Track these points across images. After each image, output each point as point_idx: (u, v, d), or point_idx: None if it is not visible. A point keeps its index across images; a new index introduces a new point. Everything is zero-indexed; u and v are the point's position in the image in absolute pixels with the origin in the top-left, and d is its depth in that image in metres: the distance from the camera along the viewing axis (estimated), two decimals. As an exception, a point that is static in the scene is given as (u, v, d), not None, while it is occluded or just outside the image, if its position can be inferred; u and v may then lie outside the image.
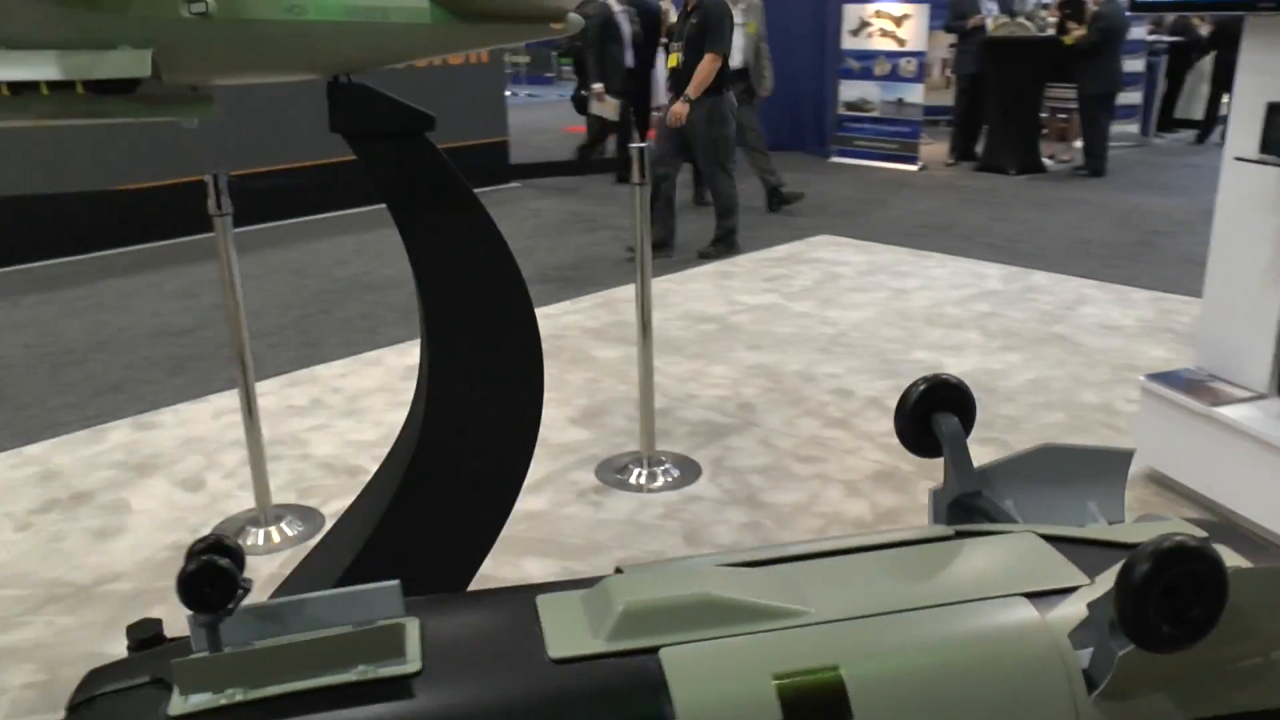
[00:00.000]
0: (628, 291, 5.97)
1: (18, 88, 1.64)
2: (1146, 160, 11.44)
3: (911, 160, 10.89)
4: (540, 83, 21.12)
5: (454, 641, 1.34)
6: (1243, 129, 3.43)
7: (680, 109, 6.88)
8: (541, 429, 4.22)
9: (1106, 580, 1.27)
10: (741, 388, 4.74)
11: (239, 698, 1.20)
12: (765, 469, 3.91)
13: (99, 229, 7.48)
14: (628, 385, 4.59)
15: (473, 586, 2.40)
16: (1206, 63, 13.03)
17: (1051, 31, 10.73)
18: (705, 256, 7.21)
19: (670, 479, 3.83)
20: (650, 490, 3.77)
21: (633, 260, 6.79)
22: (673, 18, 8.49)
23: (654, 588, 1.38)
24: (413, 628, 1.35)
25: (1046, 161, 10.90)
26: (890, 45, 10.86)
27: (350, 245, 7.61)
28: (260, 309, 6.07)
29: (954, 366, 4.93)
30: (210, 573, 1.18)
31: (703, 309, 5.99)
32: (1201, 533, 1.53)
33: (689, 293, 6.34)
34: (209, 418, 4.45)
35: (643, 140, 6.95)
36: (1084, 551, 1.49)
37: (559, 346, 5.28)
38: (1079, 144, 10.87)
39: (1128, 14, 9.70)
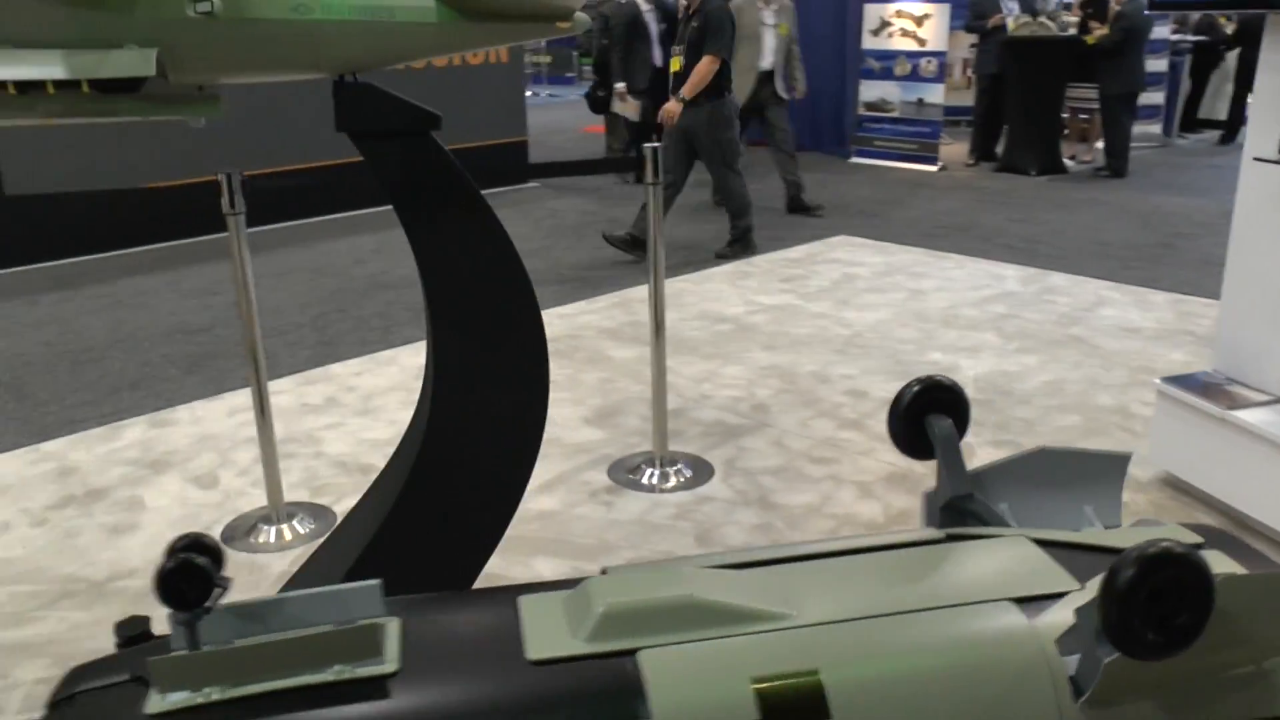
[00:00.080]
0: (644, 292, 5.96)
1: (24, 87, 1.65)
2: (1169, 161, 11.35)
3: (931, 161, 10.84)
4: (561, 83, 21.13)
5: (433, 642, 1.33)
6: (1263, 129, 3.39)
7: (673, 108, 6.83)
8: (555, 428, 4.28)
9: (1097, 586, 1.25)
10: (756, 388, 4.73)
11: (215, 696, 1.20)
12: (778, 470, 3.90)
13: (120, 227, 7.54)
14: (642, 385, 4.59)
15: (482, 585, 2.40)
16: (1231, 62, 12.92)
17: (1072, 31, 10.66)
18: (722, 257, 7.19)
19: (683, 479, 3.83)
20: (662, 490, 3.76)
21: (636, 262, 6.84)
22: None
23: (635, 589, 1.37)
24: (393, 628, 1.34)
25: (1067, 162, 10.82)
26: (911, 45, 10.81)
27: (369, 245, 7.64)
28: (277, 307, 6.10)
29: (970, 368, 4.90)
30: (187, 571, 1.18)
31: (719, 309, 5.98)
32: (1196, 538, 1.51)
33: (705, 293, 6.33)
34: (224, 415, 4.48)
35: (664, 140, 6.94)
36: (1076, 556, 1.47)
37: (574, 346, 5.29)
38: (1100, 145, 10.79)
39: (1146, 13, 9.62)
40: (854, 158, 11.40)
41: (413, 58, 2.04)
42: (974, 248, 7.36)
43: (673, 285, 6.42)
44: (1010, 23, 10.74)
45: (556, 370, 4.90)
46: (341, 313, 6.02)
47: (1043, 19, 10.69)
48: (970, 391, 4.60)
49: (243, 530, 3.49)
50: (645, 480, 3.82)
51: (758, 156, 9.86)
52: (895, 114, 11.02)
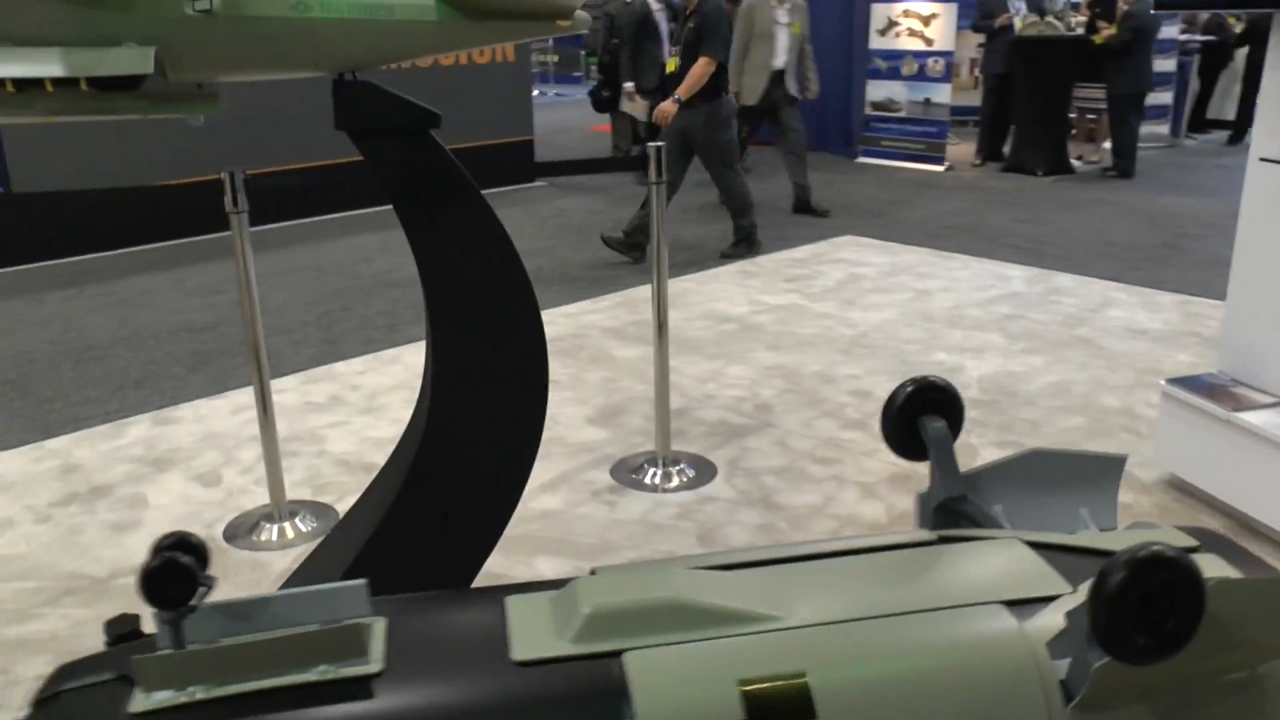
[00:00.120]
0: (648, 291, 5.95)
1: (22, 84, 1.65)
2: (1176, 161, 11.31)
3: (938, 161, 10.82)
4: (569, 82, 21.13)
5: (419, 642, 1.32)
6: (1269, 129, 3.38)
7: (668, 108, 6.79)
8: (558, 428, 4.28)
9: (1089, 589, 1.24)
10: (760, 388, 4.72)
11: (200, 696, 1.20)
12: (781, 470, 3.89)
13: (125, 226, 7.56)
14: (646, 385, 4.58)
15: (483, 584, 2.40)
16: (1241, 62, 12.87)
17: (1080, 31, 10.62)
18: (728, 257, 7.18)
19: (685, 479, 3.82)
20: (665, 490, 3.76)
21: (635, 263, 6.82)
22: None
23: (622, 590, 1.36)
24: (379, 628, 1.34)
25: (1074, 162, 10.79)
26: (918, 45, 10.79)
27: (374, 243, 7.64)
28: (282, 306, 6.11)
29: (975, 369, 4.89)
30: (172, 570, 1.18)
31: (724, 309, 5.97)
32: (1191, 541, 1.50)
33: (710, 293, 6.32)
34: (228, 413, 4.48)
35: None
36: (1070, 559, 1.46)
37: (579, 345, 5.28)
38: (1108, 145, 10.76)
39: (1153, 12, 9.58)
40: (860, 157, 11.38)
41: (412, 56, 2.03)
42: (980, 248, 7.34)
43: (677, 285, 6.42)
44: (1018, 22, 10.71)
45: (560, 369, 4.91)
46: (346, 311, 6.02)
47: (1050, 19, 10.66)
48: (975, 392, 4.60)
49: (245, 528, 3.49)
50: (648, 480, 3.81)
51: (765, 156, 9.86)
52: (902, 114, 11.00)
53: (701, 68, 6.70)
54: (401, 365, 5.08)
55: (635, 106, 9.39)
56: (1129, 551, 1.20)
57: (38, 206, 7.08)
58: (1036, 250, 7.26)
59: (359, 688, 1.24)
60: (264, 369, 3.46)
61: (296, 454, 4.05)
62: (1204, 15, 12.91)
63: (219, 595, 1.30)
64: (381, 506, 2.16)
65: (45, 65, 1.62)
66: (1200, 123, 13.33)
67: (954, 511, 1.65)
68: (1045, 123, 10.47)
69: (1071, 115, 11.09)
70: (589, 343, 5.35)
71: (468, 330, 2.15)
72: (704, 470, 3.89)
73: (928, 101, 10.80)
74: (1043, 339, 5.30)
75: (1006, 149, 11.04)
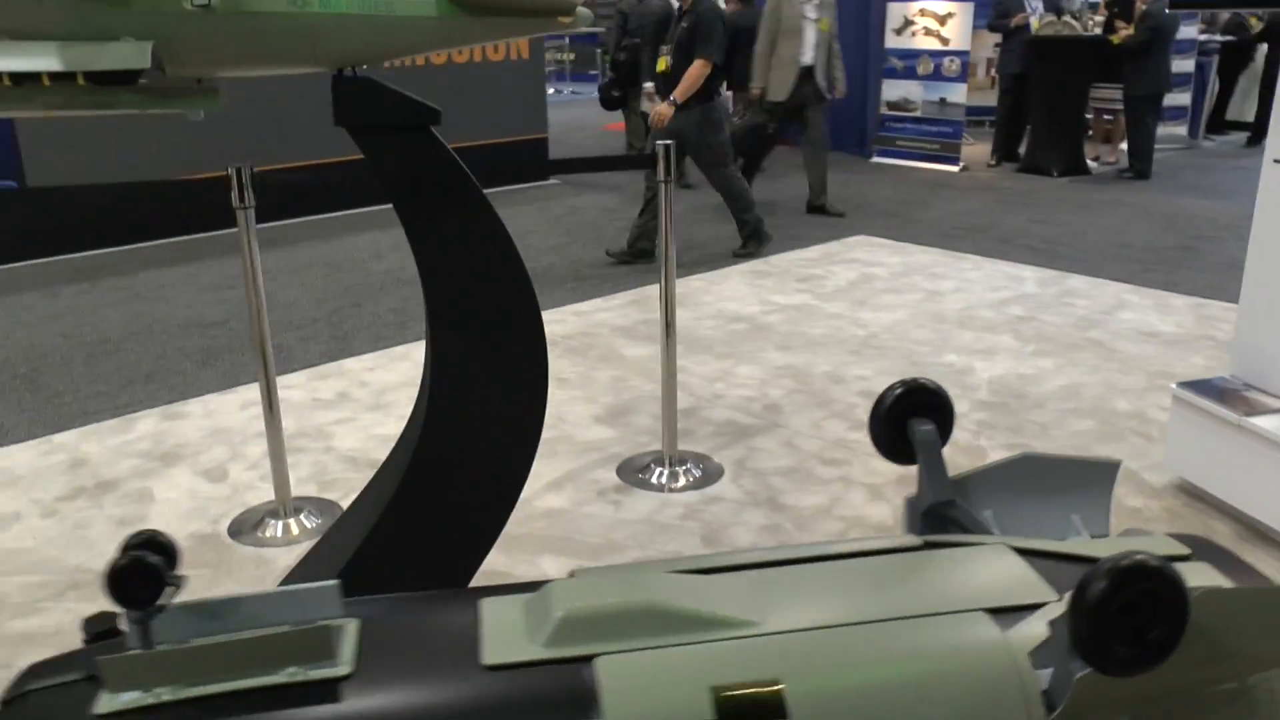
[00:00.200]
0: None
1: (19, 79, 1.65)
2: (1194, 163, 11.23)
3: (953, 161, 10.77)
4: (585, 80, 21.10)
5: (390, 644, 1.31)
6: (1283, 131, 3.34)
7: (664, 110, 6.71)
8: (566, 426, 4.27)
9: None
10: (769, 388, 4.70)
11: (166, 697, 1.19)
12: (788, 471, 3.87)
13: (140, 220, 7.58)
14: (655, 384, 4.57)
15: (487, 583, 2.39)
16: (1261, 62, 12.77)
17: (1097, 31, 10.55)
18: (740, 256, 7.15)
19: (692, 479, 3.81)
20: (671, 490, 3.75)
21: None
22: None
23: (597, 594, 1.34)
24: (351, 629, 1.32)
25: (1090, 163, 10.73)
26: (934, 44, 10.74)
27: (387, 240, 7.64)
28: (293, 302, 6.12)
29: (985, 370, 4.86)
30: (139, 569, 1.17)
31: (735, 308, 5.95)
32: (1183, 549, 1.47)
33: (721, 292, 6.30)
34: (236, 409, 4.49)
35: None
36: (1058, 567, 1.43)
37: (588, 344, 5.27)
38: (1124, 146, 10.69)
39: (1168, 11, 9.50)
40: (875, 157, 11.33)
41: (413, 52, 2.02)
42: (994, 249, 7.30)
43: (689, 284, 6.40)
44: (1034, 22, 10.65)
45: (569, 368, 4.90)
46: (357, 308, 6.03)
47: (1067, 18, 10.60)
48: (985, 394, 4.57)
49: (250, 524, 3.49)
50: (654, 480, 3.80)
51: (779, 155, 9.81)
52: (917, 113, 10.95)
53: (697, 70, 6.63)
54: (410, 362, 5.07)
55: (653, 106, 9.35)
56: (1111, 560, 1.17)
57: (53, 201, 7.11)
58: (1050, 251, 7.22)
59: (326, 690, 1.22)
60: (269, 365, 3.46)
61: (303, 450, 4.06)
62: (1224, 15, 12.80)
63: (220, 591, 1.29)
64: (379, 505, 2.15)
65: (42, 60, 1.62)
66: (1220, 124, 13.23)
67: (942, 517, 1.62)
68: (1061, 123, 10.40)
69: (1088, 116, 11.02)
70: (599, 341, 5.33)
71: (467, 328, 2.14)
72: (711, 470, 3.87)
73: (943, 101, 10.75)
74: (1054, 341, 5.27)
75: (1022, 149, 10.97)
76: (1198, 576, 1.38)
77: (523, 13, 1.95)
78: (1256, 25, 12.73)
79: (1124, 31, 9.98)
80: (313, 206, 8.40)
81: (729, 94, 12.28)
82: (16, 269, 6.94)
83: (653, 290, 6.17)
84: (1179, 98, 11.68)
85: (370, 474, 3.79)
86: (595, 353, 5.15)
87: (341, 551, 2.18)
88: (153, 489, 3.77)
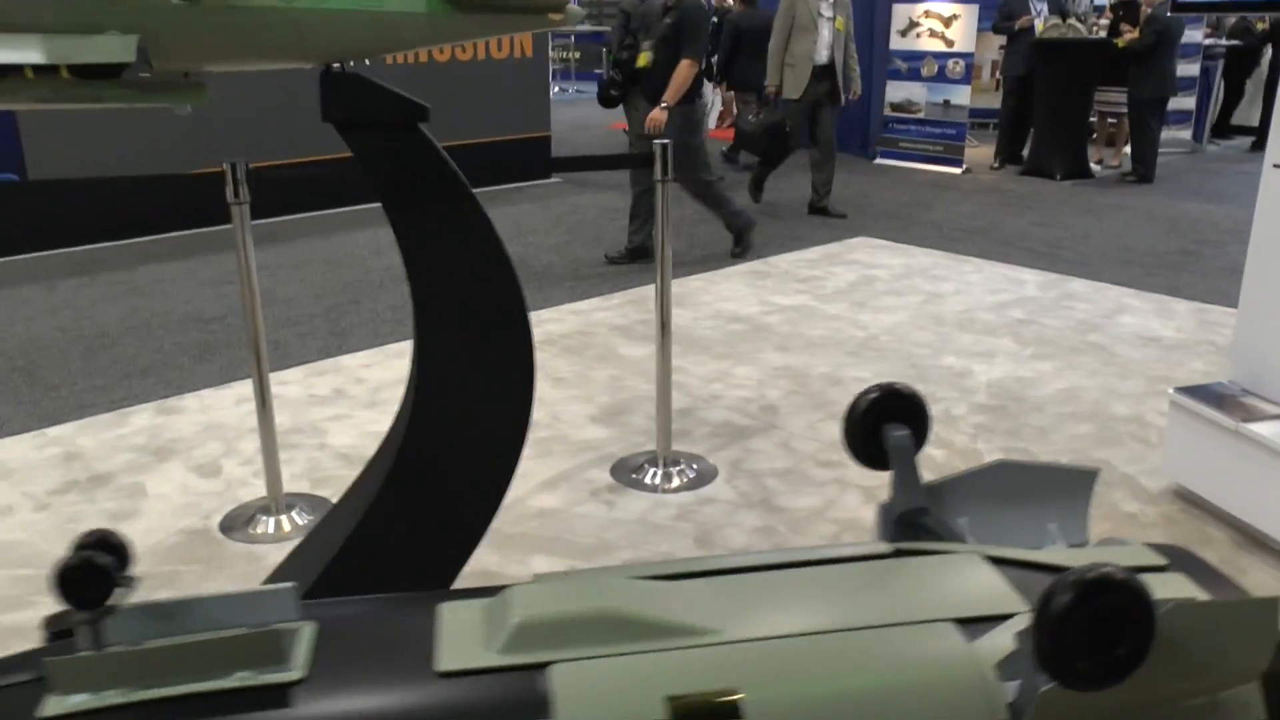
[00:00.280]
0: (658, 289, 5.94)
1: (3, 71, 1.64)
2: (1198, 167, 11.20)
3: (956, 163, 10.74)
4: (590, 79, 21.05)
5: (346, 649, 1.29)
6: (1284, 136, 3.32)
7: (660, 116, 6.59)
8: (561, 425, 4.26)
9: None
10: (766, 389, 4.69)
11: (114, 700, 1.17)
12: (784, 472, 3.85)
13: (141, 214, 7.57)
14: (652, 384, 4.54)
15: (478, 583, 2.38)
16: (1265, 66, 12.74)
17: (1101, 34, 10.52)
18: (737, 255, 7.13)
19: (686, 480, 3.79)
20: (665, 491, 3.73)
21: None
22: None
23: (556, 600, 1.32)
24: (307, 633, 1.31)
25: (1094, 167, 10.70)
26: (939, 46, 10.71)
27: (386, 237, 7.57)
28: (292, 298, 6.11)
29: (984, 373, 4.84)
30: (87, 569, 1.15)
31: (734, 309, 5.93)
32: (1160, 560, 1.45)
33: (721, 292, 6.29)
34: (231, 404, 4.48)
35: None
36: (1031, 576, 1.40)
37: (586, 343, 5.26)
38: (1128, 149, 10.66)
39: (1169, 14, 9.47)
40: (879, 159, 11.31)
41: (402, 48, 2.01)
42: (995, 251, 7.28)
43: (689, 284, 6.39)
44: (1039, 24, 10.62)
45: (566, 367, 4.88)
46: (355, 304, 6.02)
47: (1072, 21, 10.57)
48: (983, 397, 4.56)
49: (242, 520, 3.48)
50: (648, 480, 3.79)
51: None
52: (921, 115, 10.93)
53: (685, 71, 6.54)
54: (407, 360, 4.99)
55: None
56: (1077, 572, 1.15)
57: (53, 194, 7.11)
58: (1052, 255, 7.20)
59: (276, 696, 1.20)
60: (263, 361, 3.45)
61: (297, 447, 4.05)
62: (1229, 20, 12.77)
63: (210, 588, 1.28)
64: (364, 503, 2.14)
65: (25, 52, 1.61)
66: (1225, 128, 13.19)
67: (915, 524, 1.60)
68: (1065, 126, 10.37)
69: (1092, 119, 10.99)
70: (597, 340, 5.32)
71: (453, 326, 2.13)
72: (706, 471, 3.86)
73: (947, 103, 10.73)
74: (1054, 344, 5.25)
75: (1025, 152, 10.95)
76: (1172, 588, 1.36)
77: (513, 9, 1.93)
78: (1261, 27, 12.70)
79: (1129, 35, 9.95)
80: (314, 202, 8.39)
81: (730, 94, 12.29)
82: (16, 262, 6.94)
83: (650, 290, 6.14)
84: (1183, 102, 11.65)
85: (363, 471, 3.80)
86: (593, 352, 5.14)
87: (326, 549, 2.16)
88: (145, 483, 3.76)
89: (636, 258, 6.86)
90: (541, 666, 1.25)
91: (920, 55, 10.82)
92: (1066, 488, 1.62)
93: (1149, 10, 9.73)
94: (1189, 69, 11.52)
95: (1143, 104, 10.01)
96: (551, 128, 10.27)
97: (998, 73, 12.20)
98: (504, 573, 3.13)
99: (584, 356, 5.05)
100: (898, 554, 1.51)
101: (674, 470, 3.83)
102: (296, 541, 3.31)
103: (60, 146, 7.07)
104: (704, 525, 3.48)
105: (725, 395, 4.63)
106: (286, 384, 4.69)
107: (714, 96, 13.44)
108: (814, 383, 4.76)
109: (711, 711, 1.19)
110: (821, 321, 5.68)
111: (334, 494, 3.66)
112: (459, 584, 2.32)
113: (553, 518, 3.53)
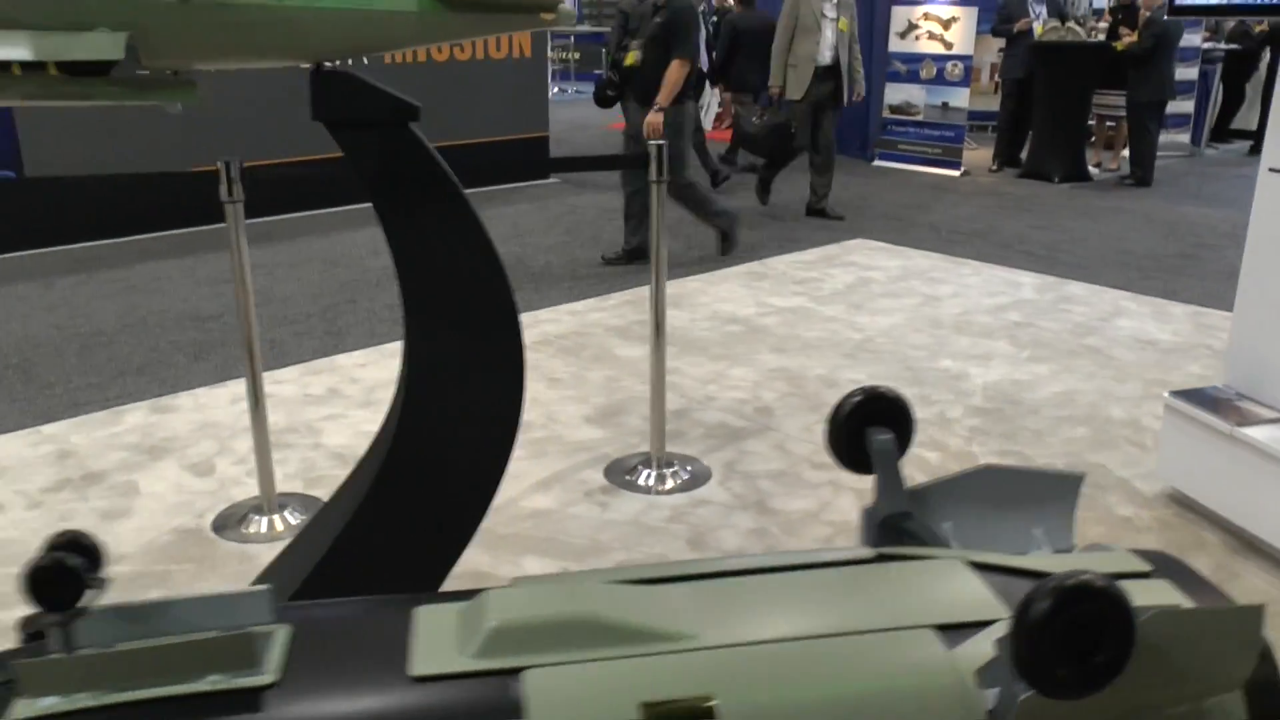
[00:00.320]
0: (655, 290, 5.93)
1: (-9, 67, 1.63)
2: (1196, 171, 11.20)
3: (954, 166, 10.74)
4: (589, 79, 21.05)
5: (319, 652, 1.28)
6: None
7: (656, 120, 6.52)
8: (556, 426, 4.25)
9: None
10: (762, 391, 4.68)
11: (84, 703, 1.16)
12: (778, 474, 3.85)
13: (139, 212, 7.56)
14: (648, 385, 4.54)
15: (469, 584, 2.37)
16: (1264, 70, 12.74)
17: (1100, 37, 10.51)
18: (725, 254, 7.11)
19: (680, 481, 3.78)
20: (659, 492, 3.72)
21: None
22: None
23: (532, 604, 1.31)
24: (281, 636, 1.30)
25: (1092, 170, 10.70)
26: (938, 48, 10.71)
27: (384, 237, 7.61)
28: (289, 296, 6.10)
29: (980, 376, 4.84)
30: (57, 570, 1.15)
31: (730, 310, 5.93)
32: (1144, 566, 1.44)
33: (718, 293, 6.28)
34: (226, 403, 4.47)
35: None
36: (1014, 582, 1.39)
37: (581, 344, 5.25)
38: (1126, 153, 10.66)
39: (1165, 18, 9.47)
40: (877, 161, 11.30)
41: (393, 47, 2.00)
42: (993, 254, 7.28)
43: (686, 284, 6.38)
44: (1038, 27, 10.61)
45: (562, 367, 4.88)
46: (352, 304, 6.01)
47: (1071, 24, 10.57)
48: (979, 400, 4.55)
49: (234, 520, 3.47)
50: (642, 481, 3.78)
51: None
52: (919, 118, 10.92)
53: (677, 72, 6.50)
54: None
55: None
56: (1055, 579, 1.13)
57: (50, 191, 7.09)
58: (1050, 257, 7.19)
59: (248, 699, 1.19)
60: (256, 361, 3.44)
61: (292, 446, 4.04)
62: (1229, 24, 12.77)
63: (202, 587, 1.27)
64: (353, 503, 2.13)
65: (13, 49, 1.60)
66: (1224, 132, 13.20)
67: (899, 529, 1.59)
68: (1064, 129, 10.37)
69: (1090, 122, 10.99)
70: (593, 341, 5.31)
71: (443, 326, 2.12)
72: (700, 473, 3.85)
73: (945, 106, 10.72)
74: (1051, 347, 5.24)
75: (1024, 155, 10.95)
76: (1155, 595, 1.35)
77: (504, 8, 1.93)
78: (1260, 30, 12.69)
79: (1128, 38, 9.95)
80: (312, 201, 8.37)
81: (727, 95, 12.27)
82: (12, 259, 6.92)
83: (647, 291, 6.13)
84: (1182, 105, 11.65)
85: (357, 471, 3.79)
86: (589, 353, 5.13)
87: (315, 549, 2.16)
88: (138, 482, 3.75)
89: (634, 259, 6.85)
90: (516, 672, 1.24)
91: (919, 57, 10.82)
92: (1052, 493, 1.61)
93: (1148, 14, 9.73)
94: (1188, 72, 11.53)
95: (1141, 107, 10.01)
96: (550, 128, 10.27)
97: (996, 75, 12.20)
98: (496, 573, 3.12)
99: (580, 357, 5.05)
100: (880, 559, 1.49)
101: (668, 472, 3.82)
102: (289, 541, 3.32)
103: (57, 144, 7.06)
104: (697, 527, 3.48)
105: (720, 397, 4.62)
106: (282, 383, 4.68)
107: (713, 97, 13.45)
108: (810, 384, 4.76)
109: (686, 717, 1.18)
110: (818, 323, 5.68)
111: (327, 494, 3.65)
112: (450, 584, 2.32)
113: (546, 519, 3.52)
